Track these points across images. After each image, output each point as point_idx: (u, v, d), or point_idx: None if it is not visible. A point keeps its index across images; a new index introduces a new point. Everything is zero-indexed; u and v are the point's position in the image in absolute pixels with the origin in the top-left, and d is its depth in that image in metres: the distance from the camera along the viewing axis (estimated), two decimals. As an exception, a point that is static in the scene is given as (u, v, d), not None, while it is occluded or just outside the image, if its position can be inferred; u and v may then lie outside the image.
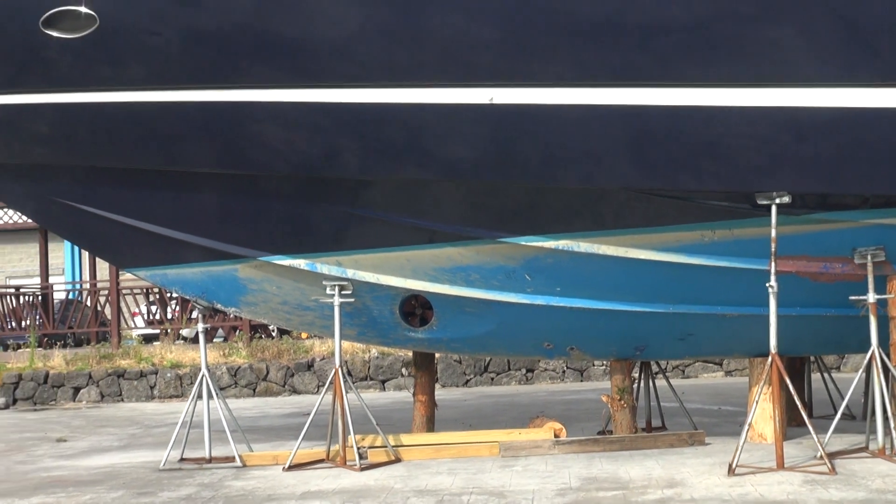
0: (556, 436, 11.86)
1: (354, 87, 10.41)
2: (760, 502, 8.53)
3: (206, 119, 10.95)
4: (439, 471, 10.80)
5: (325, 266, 11.66)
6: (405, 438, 12.14)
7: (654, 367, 13.45)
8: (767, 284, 10.05)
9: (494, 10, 9.95)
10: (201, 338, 12.41)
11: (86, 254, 30.32)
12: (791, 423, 11.58)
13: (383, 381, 22.01)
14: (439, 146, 10.54)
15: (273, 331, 25.87)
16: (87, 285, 30.11)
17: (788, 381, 10.23)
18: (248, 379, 22.28)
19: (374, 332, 12.39)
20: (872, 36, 9.56)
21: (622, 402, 12.02)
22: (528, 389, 20.85)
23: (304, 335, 23.75)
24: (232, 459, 11.72)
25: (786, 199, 10.00)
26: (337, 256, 11.62)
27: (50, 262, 30.07)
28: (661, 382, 13.47)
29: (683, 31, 9.73)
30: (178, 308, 26.72)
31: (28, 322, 27.39)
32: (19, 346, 27.09)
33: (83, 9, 10.64)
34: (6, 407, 22.27)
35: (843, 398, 11.13)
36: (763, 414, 11.16)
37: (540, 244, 10.98)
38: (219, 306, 12.92)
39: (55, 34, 10.78)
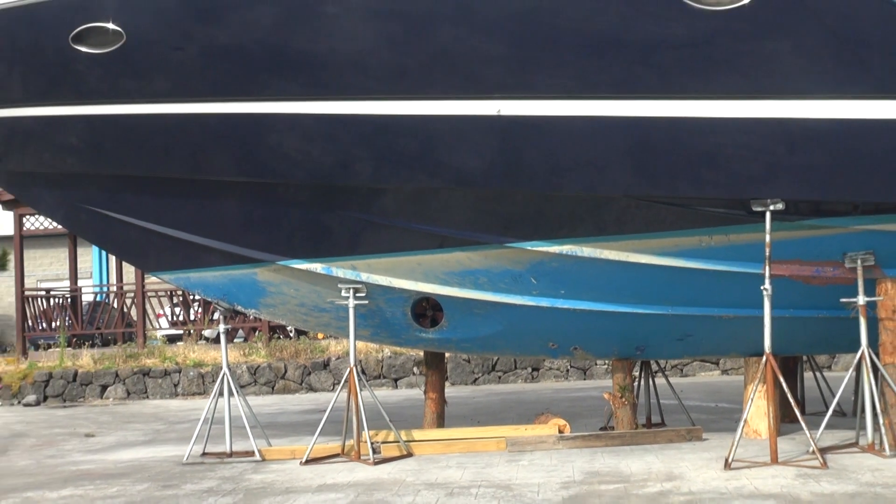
0: (560, 431, 11.86)
1: (368, 100, 10.41)
2: (755, 495, 8.52)
3: (227, 130, 10.97)
4: (449, 465, 10.79)
5: (340, 270, 11.66)
6: (416, 434, 12.14)
7: (654, 366, 13.44)
8: (762, 287, 10.04)
9: (501, 26, 9.95)
10: (222, 338, 12.43)
11: (113, 258, 30.29)
12: (784, 420, 11.56)
13: (396, 380, 22.01)
14: (449, 156, 10.54)
15: (291, 331, 25.87)
16: (114, 288, 30.11)
17: (782, 380, 10.21)
18: (267, 377, 22.29)
19: (386, 333, 12.39)
20: (862, 51, 9.54)
21: (623, 400, 12.01)
22: (533, 387, 20.84)
23: (320, 336, 23.74)
24: (251, 454, 11.72)
25: (780, 206, 9.99)
26: (351, 260, 11.62)
27: (79, 265, 30.08)
28: (660, 381, 13.46)
29: (682, 46, 9.72)
30: (200, 310, 26.71)
31: (58, 323, 27.39)
32: (49, 346, 27.18)
33: (110, 25, 10.66)
34: (37, 404, 22.30)
35: (834, 396, 11.11)
36: (758, 411, 11.14)
37: (545, 249, 10.97)
38: (239, 308, 12.93)
39: (84, 50, 10.81)
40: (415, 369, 21.62)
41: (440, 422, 13.01)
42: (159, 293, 27.29)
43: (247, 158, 11.14)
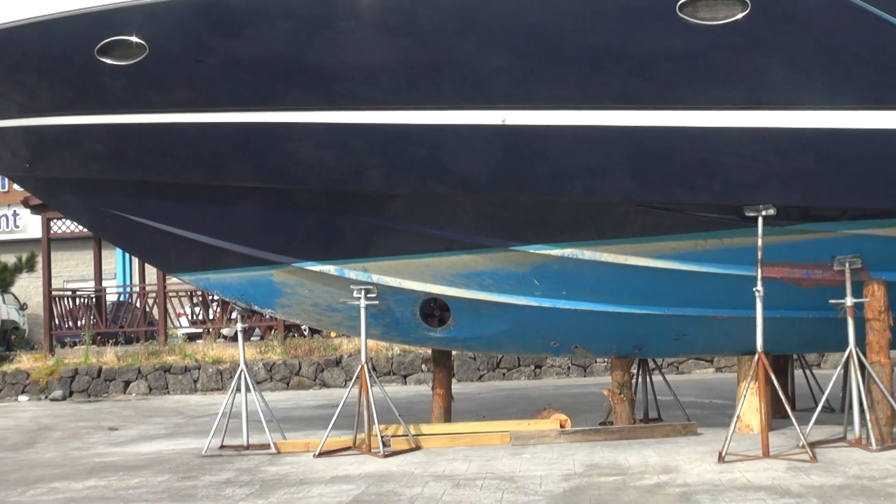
0: (561, 426, 11.85)
1: (380, 110, 10.43)
2: (748, 487, 8.51)
3: (245, 138, 10.98)
4: (455, 457, 10.79)
5: (352, 272, 11.67)
6: (424, 428, 12.14)
7: (651, 364, 13.43)
8: (754, 289, 10.04)
9: (507, 40, 9.96)
10: (240, 336, 12.44)
11: (135, 260, 30.33)
12: (776, 416, 11.54)
13: (405, 376, 22.01)
14: (456, 163, 10.55)
15: (305, 330, 25.86)
16: (137, 288, 30.15)
17: (773, 377, 10.22)
18: (283, 374, 22.30)
19: (396, 332, 12.40)
20: (849, 64, 9.55)
21: (622, 396, 12.00)
22: (536, 384, 20.83)
23: (333, 334, 23.74)
24: (267, 447, 11.73)
25: (771, 212, 9.98)
26: (363, 263, 11.63)
27: (103, 267, 30.11)
28: (657, 378, 13.45)
29: (679, 59, 9.73)
30: (219, 309, 26.71)
31: (83, 322, 27.42)
32: (75, 344, 27.20)
33: (134, 39, 10.68)
34: (63, 398, 22.33)
35: (823, 392, 11.09)
36: (750, 407, 11.13)
37: (547, 252, 10.98)
38: (256, 308, 12.95)
39: (109, 62, 10.83)
40: (423, 366, 21.61)
41: (447, 416, 13.01)
42: (180, 293, 27.31)
43: (264, 165, 11.16)
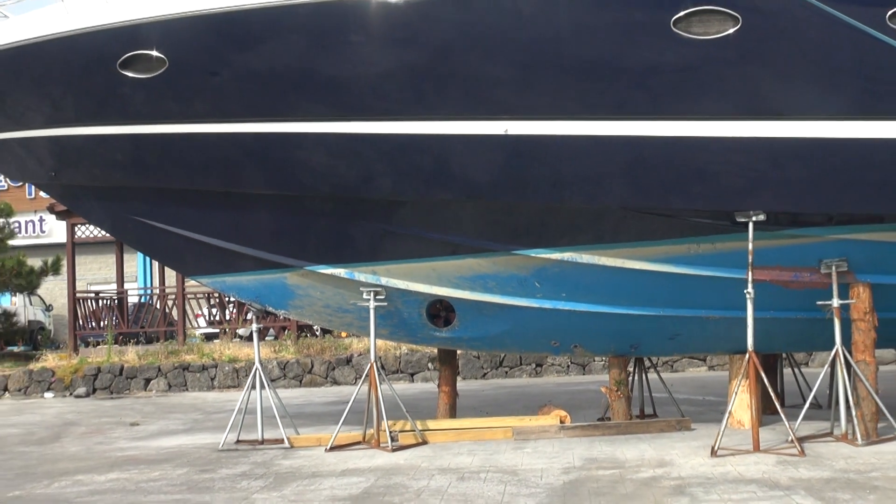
0: (561, 422, 11.84)
1: (388, 120, 10.43)
2: (739, 480, 8.50)
3: (259, 147, 10.99)
4: (460, 452, 10.79)
5: (361, 274, 11.66)
6: (431, 424, 12.13)
7: (647, 362, 13.41)
8: (745, 291, 10.04)
9: (509, 54, 9.96)
10: (255, 336, 12.44)
11: (156, 263, 30.33)
12: (766, 412, 11.52)
13: (412, 374, 21.98)
14: (461, 171, 10.55)
15: (317, 330, 25.83)
16: (157, 291, 30.16)
17: (763, 375, 10.21)
18: (296, 372, 22.28)
19: (404, 332, 12.40)
20: (837, 76, 9.54)
21: (619, 393, 11.99)
22: (537, 381, 20.80)
23: (343, 334, 23.71)
24: (281, 441, 11.73)
25: (761, 217, 9.99)
26: (372, 266, 11.63)
27: (125, 270, 30.11)
28: (652, 376, 13.43)
29: (673, 71, 9.73)
30: (234, 310, 26.69)
31: (106, 322, 27.41)
32: (98, 343, 27.18)
33: (154, 53, 10.70)
34: (87, 395, 22.32)
35: (811, 390, 11.07)
36: (741, 403, 11.12)
37: (548, 256, 10.97)
38: (270, 309, 12.96)
39: (130, 75, 10.85)
40: (429, 365, 21.58)
41: (452, 413, 13.01)
42: (198, 295, 27.30)
43: (277, 173, 11.16)
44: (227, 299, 26.45)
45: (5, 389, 23.04)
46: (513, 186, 10.51)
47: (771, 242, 10.33)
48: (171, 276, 28.69)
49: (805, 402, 10.94)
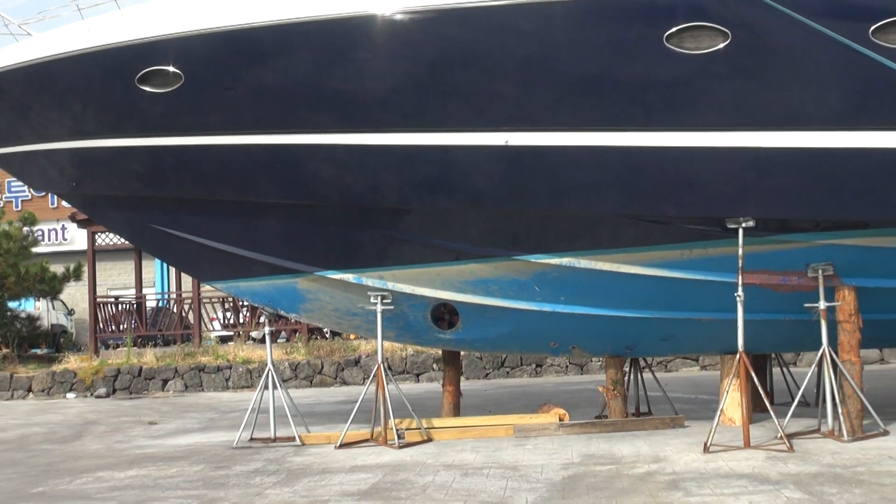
0: (560, 420, 11.84)
1: (394, 132, 10.44)
2: (730, 475, 8.50)
3: (271, 158, 11.00)
4: (464, 449, 10.79)
5: (369, 279, 11.67)
6: (436, 422, 12.14)
7: (642, 363, 13.40)
8: (735, 294, 10.03)
9: (509, 69, 9.98)
10: (267, 339, 12.47)
11: (173, 269, 30.32)
12: (756, 410, 11.52)
13: (418, 375, 21.97)
14: (464, 180, 10.55)
15: (327, 333, 25.84)
16: (174, 295, 30.18)
17: (753, 374, 10.21)
18: (306, 372, 22.27)
19: (409, 334, 12.39)
20: (822, 87, 9.55)
21: (615, 392, 11.99)
22: (537, 381, 20.79)
23: (352, 336, 23.70)
24: (293, 439, 11.73)
25: (751, 224, 9.98)
26: (379, 271, 11.63)
27: (143, 276, 30.10)
28: (647, 375, 13.43)
29: (666, 85, 9.74)
30: (248, 314, 26.71)
31: (125, 326, 27.42)
32: (118, 346, 27.19)
33: (171, 68, 10.72)
34: (107, 396, 22.33)
35: (799, 388, 11.07)
36: (732, 401, 11.10)
37: (547, 261, 10.97)
38: (282, 312, 12.96)
39: (148, 89, 10.87)
40: (434, 366, 21.57)
41: (456, 411, 13.00)
42: (213, 300, 27.32)
43: (288, 183, 11.17)
44: (240, 303, 26.46)
45: (29, 390, 23.05)
46: (513, 195, 10.51)
47: (760, 248, 10.33)
48: (187, 281, 28.70)
49: (793, 400, 10.94)
